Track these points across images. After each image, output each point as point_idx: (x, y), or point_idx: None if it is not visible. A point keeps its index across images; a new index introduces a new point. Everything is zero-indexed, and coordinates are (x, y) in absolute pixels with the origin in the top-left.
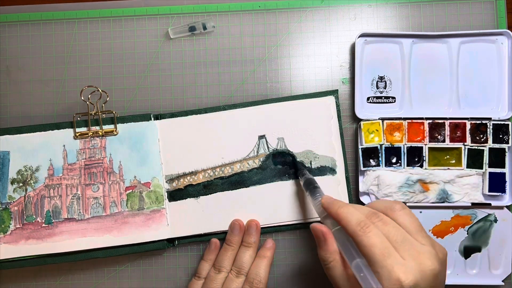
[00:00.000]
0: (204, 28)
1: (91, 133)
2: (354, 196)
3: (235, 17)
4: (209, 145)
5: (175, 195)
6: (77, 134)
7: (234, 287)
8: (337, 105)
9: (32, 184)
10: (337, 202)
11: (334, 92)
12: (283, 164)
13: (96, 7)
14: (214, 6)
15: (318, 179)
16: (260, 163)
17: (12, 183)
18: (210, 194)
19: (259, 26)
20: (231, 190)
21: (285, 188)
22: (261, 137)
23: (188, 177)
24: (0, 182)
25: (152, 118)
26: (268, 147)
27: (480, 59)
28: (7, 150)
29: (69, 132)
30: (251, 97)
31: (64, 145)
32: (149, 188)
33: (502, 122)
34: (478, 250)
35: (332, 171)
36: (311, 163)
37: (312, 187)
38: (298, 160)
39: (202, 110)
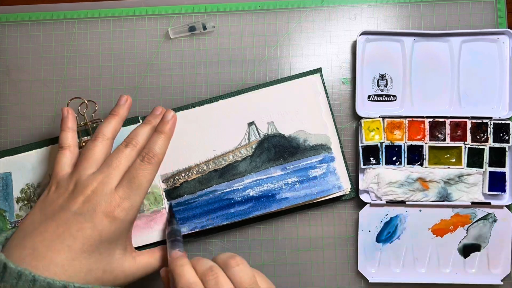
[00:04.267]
0: (204, 28)
1: (83, 144)
2: (355, 194)
3: (235, 17)
4: (200, 139)
5: (172, 194)
6: (83, 144)
7: (122, 156)
8: (323, 82)
9: (36, 200)
10: (181, 259)
11: (318, 70)
12: (276, 148)
13: (95, 7)
14: (214, 6)
15: (314, 158)
16: (253, 150)
17: (17, 201)
18: (206, 188)
19: (259, 26)
20: (227, 181)
21: (282, 172)
22: (250, 123)
23: (183, 174)
24: (7, 203)
25: (140, 120)
26: (259, 133)
27: (481, 58)
28: (8, 171)
29: None
30: None
31: None
32: None
33: (503, 122)
34: (478, 249)
35: (327, 148)
36: (304, 143)
37: (173, 240)
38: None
39: (190, 105)
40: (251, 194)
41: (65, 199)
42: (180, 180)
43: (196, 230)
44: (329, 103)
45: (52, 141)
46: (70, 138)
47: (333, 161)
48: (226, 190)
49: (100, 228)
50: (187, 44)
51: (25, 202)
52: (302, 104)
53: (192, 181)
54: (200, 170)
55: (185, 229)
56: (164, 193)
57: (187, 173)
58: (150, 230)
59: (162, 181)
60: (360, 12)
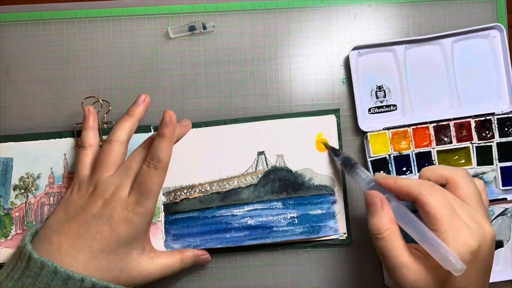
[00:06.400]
0: (204, 27)
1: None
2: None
3: (235, 16)
4: (208, 159)
5: (170, 208)
6: (78, 144)
7: (138, 160)
8: (338, 124)
9: (33, 191)
10: (391, 176)
11: (335, 111)
12: (281, 181)
13: (95, 6)
14: (214, 5)
15: (316, 198)
16: (258, 179)
17: (14, 189)
18: (206, 209)
19: (259, 26)
20: (227, 206)
21: (282, 206)
22: (260, 153)
23: (185, 191)
24: (3, 188)
25: (152, 130)
26: (267, 164)
27: (474, 55)
28: (10, 157)
29: (70, 141)
30: (251, 96)
31: (65, 154)
32: None
33: (506, 116)
34: (500, 245)
35: (330, 190)
36: (309, 181)
37: (351, 167)
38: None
39: (203, 123)
40: (249, 222)
41: (86, 201)
42: (181, 196)
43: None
44: (340, 147)
45: (60, 135)
46: (92, 137)
47: (334, 204)
48: (224, 214)
49: (117, 231)
50: (187, 44)
51: (22, 191)
52: (314, 142)
53: (193, 199)
54: (202, 189)
55: (177, 246)
56: (162, 206)
57: (190, 190)
58: None
59: (163, 194)
60: (360, 11)
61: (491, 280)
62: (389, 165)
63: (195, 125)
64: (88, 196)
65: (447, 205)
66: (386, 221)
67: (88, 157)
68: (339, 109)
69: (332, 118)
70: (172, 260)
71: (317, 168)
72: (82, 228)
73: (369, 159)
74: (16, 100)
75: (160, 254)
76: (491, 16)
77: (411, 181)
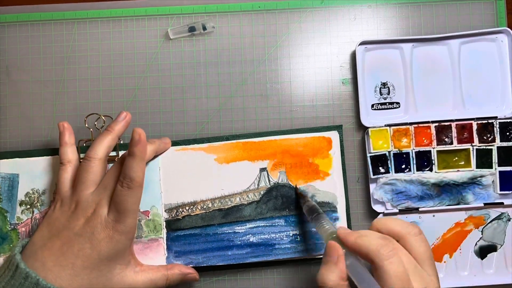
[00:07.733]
0: (204, 28)
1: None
2: (366, 207)
3: (234, 17)
4: (210, 175)
5: (172, 225)
6: (81, 160)
7: (115, 178)
8: (341, 141)
9: (39, 206)
10: (353, 232)
11: (338, 128)
12: (284, 198)
13: (95, 7)
14: (213, 6)
15: None
16: (260, 196)
17: (20, 205)
18: (207, 226)
19: (259, 26)
20: (229, 223)
21: (285, 223)
22: (263, 169)
23: (187, 208)
24: (10, 204)
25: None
26: (269, 180)
27: (481, 58)
28: (16, 173)
29: None
30: (251, 97)
31: None
32: (148, 216)
33: (509, 120)
34: (494, 249)
35: (333, 207)
36: (312, 198)
37: (316, 215)
38: (301, 189)
39: (205, 139)
40: (251, 240)
41: (68, 219)
42: (183, 213)
43: (191, 266)
44: (342, 163)
45: None
46: (69, 153)
47: (337, 221)
48: (226, 232)
49: (98, 248)
50: (187, 45)
51: (28, 206)
52: (316, 159)
53: (194, 216)
54: (204, 206)
55: (179, 263)
56: (164, 223)
57: (191, 207)
58: (144, 258)
59: (165, 211)
60: (360, 12)
61: (483, 284)
62: (389, 161)
63: (197, 141)
64: (70, 213)
65: (402, 274)
66: (334, 277)
67: (67, 173)
68: (341, 125)
69: (335, 135)
70: (157, 276)
71: (319, 185)
72: (65, 245)
73: (368, 155)
74: (16, 100)
75: (146, 268)
76: (491, 17)
77: (370, 242)
